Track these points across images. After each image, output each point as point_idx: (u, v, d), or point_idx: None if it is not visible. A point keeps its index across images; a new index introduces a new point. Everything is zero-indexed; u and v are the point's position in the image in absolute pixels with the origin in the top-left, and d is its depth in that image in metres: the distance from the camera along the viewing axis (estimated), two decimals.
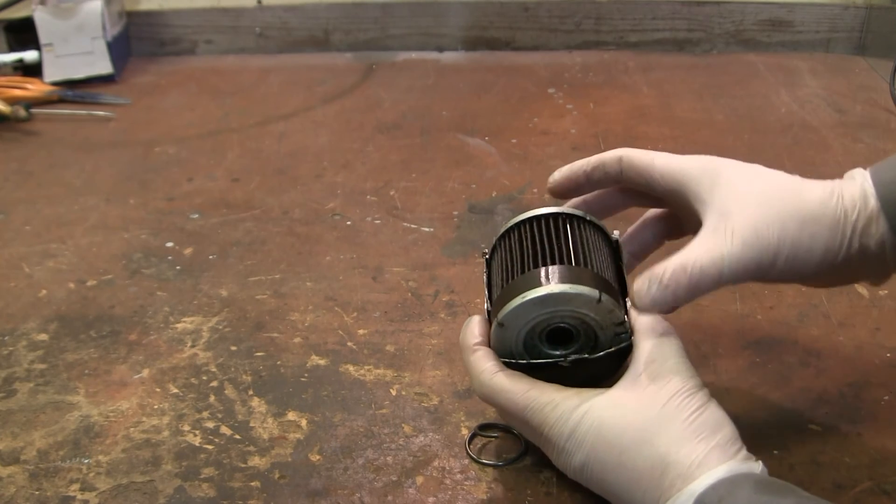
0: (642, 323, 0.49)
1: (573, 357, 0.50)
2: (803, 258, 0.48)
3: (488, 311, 0.52)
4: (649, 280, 0.47)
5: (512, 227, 0.53)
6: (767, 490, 0.41)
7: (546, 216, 0.53)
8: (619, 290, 0.51)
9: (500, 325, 0.49)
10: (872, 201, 0.48)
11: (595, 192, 0.58)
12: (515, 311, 0.49)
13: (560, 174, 0.56)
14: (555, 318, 0.49)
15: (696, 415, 0.45)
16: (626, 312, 0.50)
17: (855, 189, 0.49)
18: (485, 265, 0.55)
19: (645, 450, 0.45)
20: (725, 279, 0.47)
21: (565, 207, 0.54)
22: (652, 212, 0.59)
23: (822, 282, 0.52)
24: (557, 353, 0.51)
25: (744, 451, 0.45)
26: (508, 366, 0.51)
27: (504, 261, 0.52)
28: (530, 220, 0.53)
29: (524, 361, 0.50)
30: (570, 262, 0.49)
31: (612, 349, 0.50)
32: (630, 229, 0.59)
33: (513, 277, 0.50)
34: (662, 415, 0.45)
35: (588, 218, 0.53)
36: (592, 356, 0.50)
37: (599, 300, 0.48)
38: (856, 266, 0.49)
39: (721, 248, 0.47)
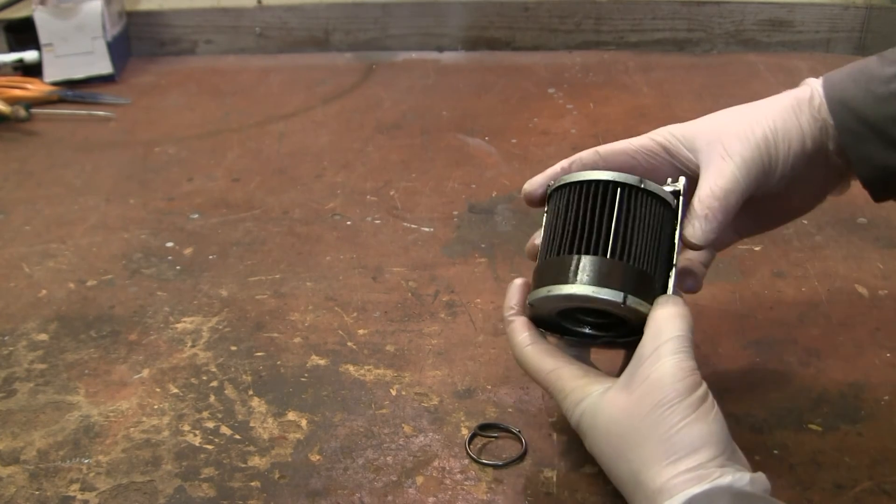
0: (657, 311, 0.49)
1: (601, 339, 0.53)
2: (790, 141, 0.53)
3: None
4: (694, 220, 0.51)
5: (567, 186, 0.52)
6: (745, 502, 0.41)
7: (601, 183, 0.51)
8: (664, 266, 0.51)
9: (531, 305, 0.52)
10: (818, 98, 0.54)
11: None
12: (543, 299, 0.50)
13: (531, 186, 0.56)
14: (584, 306, 0.51)
15: (673, 431, 0.44)
16: (665, 290, 0.50)
17: (805, 91, 0.55)
18: (546, 201, 0.55)
19: (622, 463, 0.46)
20: (745, 189, 0.51)
21: (620, 174, 0.51)
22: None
23: (807, 186, 0.56)
24: (590, 320, 0.53)
25: (721, 471, 0.43)
26: (544, 329, 0.54)
27: (553, 224, 0.52)
28: (582, 184, 0.52)
29: (556, 336, 0.53)
30: (604, 253, 0.49)
31: (637, 337, 0.49)
32: None
33: (554, 251, 0.51)
34: (642, 427, 0.45)
35: (642, 185, 0.51)
36: (619, 340, 0.52)
37: (623, 303, 0.48)
38: (820, 164, 0.55)
39: (726, 168, 0.51)
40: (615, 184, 0.51)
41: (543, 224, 0.54)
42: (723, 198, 0.51)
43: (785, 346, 0.64)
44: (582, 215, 0.51)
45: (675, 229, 0.51)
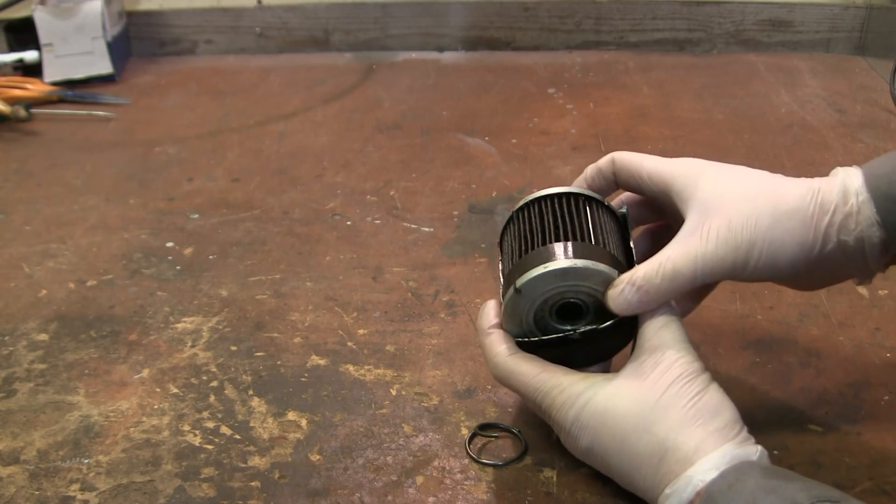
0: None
1: (583, 329, 0.51)
2: (777, 253, 0.48)
3: (502, 279, 0.53)
4: (624, 283, 0.48)
5: (531, 202, 0.54)
6: (775, 475, 0.42)
7: (567, 195, 0.53)
8: (625, 258, 0.52)
9: (518, 291, 0.50)
10: (853, 197, 0.48)
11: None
12: (535, 280, 0.49)
13: None
14: (569, 293, 0.50)
15: (694, 399, 0.46)
16: None
17: (834, 185, 0.49)
18: (499, 235, 0.56)
19: (644, 436, 0.46)
20: (700, 278, 0.48)
21: (578, 188, 0.54)
22: (649, 225, 0.59)
23: (803, 281, 0.53)
24: (567, 328, 0.52)
25: (743, 433, 0.46)
26: (521, 345, 0.52)
27: (523, 231, 0.53)
28: (550, 196, 0.54)
29: (536, 339, 0.52)
30: (588, 240, 0.50)
31: (619, 319, 0.50)
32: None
33: (533, 248, 0.51)
34: (662, 402, 0.46)
35: (599, 198, 0.54)
36: (601, 327, 0.51)
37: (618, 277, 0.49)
38: (836, 264, 0.50)
39: (696, 247, 0.48)
40: (582, 195, 0.54)
41: (504, 241, 0.55)
42: (670, 278, 0.48)
43: (785, 346, 0.64)
44: (561, 215, 0.52)
45: (629, 238, 0.54)
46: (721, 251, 0.48)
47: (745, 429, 0.47)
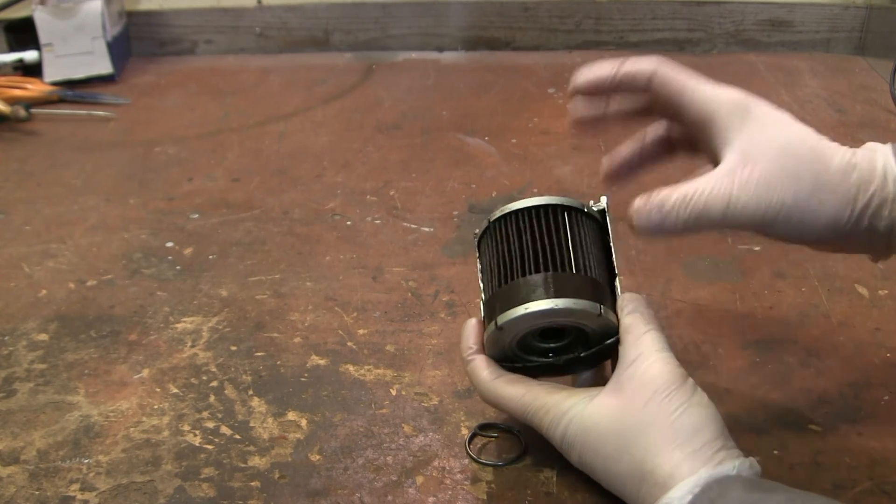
0: (628, 318, 0.50)
1: (566, 357, 0.52)
2: (809, 223, 0.47)
3: (483, 301, 0.53)
4: (651, 203, 0.47)
5: (510, 214, 0.53)
6: (758, 488, 0.42)
7: (545, 207, 0.52)
8: (609, 276, 0.52)
9: (500, 329, 0.50)
10: (891, 183, 0.48)
11: (630, 148, 0.57)
12: (517, 319, 0.49)
13: (585, 80, 0.53)
14: (553, 324, 0.50)
15: (673, 417, 0.45)
16: (615, 300, 0.51)
17: (876, 165, 0.48)
18: (475, 247, 0.55)
19: (624, 458, 0.46)
20: (726, 222, 0.47)
21: (559, 197, 0.53)
22: (651, 129, 0.57)
23: (822, 247, 0.52)
24: (549, 345, 0.52)
25: (723, 453, 0.44)
26: (505, 367, 0.52)
27: (502, 251, 0.52)
28: (528, 210, 0.52)
29: (519, 365, 0.52)
30: (571, 268, 0.50)
31: (602, 346, 0.51)
32: (627, 142, 0.58)
33: (513, 276, 0.50)
34: (640, 420, 0.46)
35: (578, 206, 0.53)
36: (583, 355, 0.52)
37: (600, 314, 0.49)
38: (860, 241, 0.49)
39: (731, 189, 0.46)
40: (562, 207, 0.52)
41: (482, 255, 0.54)
42: (699, 212, 0.46)
43: (785, 346, 0.64)
44: (540, 237, 0.51)
45: (609, 241, 0.53)
46: (754, 202, 0.46)
47: (729, 441, 0.45)
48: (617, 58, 0.53)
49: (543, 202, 0.52)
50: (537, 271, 0.50)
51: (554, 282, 0.49)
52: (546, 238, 0.51)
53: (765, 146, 0.47)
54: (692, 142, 0.54)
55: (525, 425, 0.56)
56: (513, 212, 0.52)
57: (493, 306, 0.51)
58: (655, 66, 0.51)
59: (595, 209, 0.54)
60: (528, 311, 0.49)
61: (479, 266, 0.55)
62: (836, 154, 0.48)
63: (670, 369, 0.47)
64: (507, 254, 0.51)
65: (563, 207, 0.52)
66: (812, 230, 0.48)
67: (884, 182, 0.48)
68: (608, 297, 0.50)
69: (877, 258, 0.52)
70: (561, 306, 0.48)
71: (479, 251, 0.55)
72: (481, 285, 0.54)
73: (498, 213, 0.53)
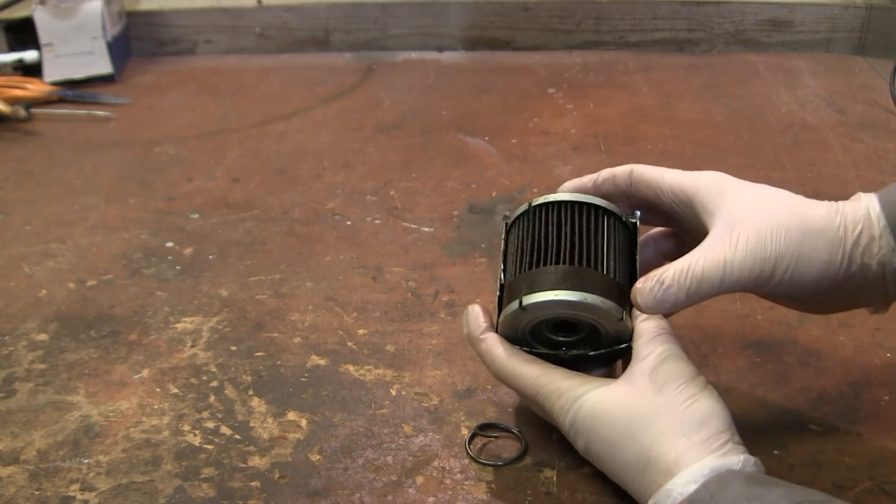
0: (643, 323, 0.50)
1: (574, 353, 0.52)
2: (803, 270, 0.49)
3: (501, 281, 0.53)
4: (653, 280, 0.49)
5: (553, 204, 0.53)
6: (758, 483, 0.42)
7: (589, 206, 0.53)
8: (631, 284, 0.52)
9: (523, 309, 0.50)
10: (876, 223, 0.49)
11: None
12: (542, 303, 0.50)
13: (570, 185, 0.57)
14: (571, 316, 0.50)
15: (683, 407, 0.46)
16: (632, 309, 0.51)
17: (859, 208, 0.50)
18: (504, 228, 0.56)
19: (631, 444, 0.46)
20: (726, 285, 0.48)
21: (594, 198, 0.54)
22: (656, 230, 0.59)
23: (822, 303, 0.53)
24: (560, 339, 0.52)
25: (730, 444, 0.45)
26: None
27: (538, 236, 0.52)
28: (572, 204, 0.53)
29: (526, 350, 0.52)
30: (602, 268, 0.51)
31: (612, 349, 0.52)
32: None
33: (545, 262, 0.51)
34: (650, 408, 0.46)
35: (618, 213, 0.54)
36: (591, 354, 0.52)
37: (621, 318, 0.50)
38: (857, 287, 0.50)
39: (724, 253, 0.48)
40: (604, 210, 0.53)
41: (511, 238, 0.55)
42: (698, 281, 0.48)
43: (785, 346, 0.64)
44: (579, 232, 0.52)
45: (636, 252, 0.54)
46: (749, 260, 0.48)
47: (735, 437, 0.46)
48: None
49: (588, 200, 0.53)
50: (570, 263, 0.50)
51: (585, 277, 0.50)
52: (584, 234, 0.52)
53: (750, 210, 0.50)
54: (668, 224, 0.58)
55: (525, 424, 0.56)
56: (556, 202, 0.53)
57: (520, 286, 0.51)
58: (631, 166, 0.55)
59: (630, 220, 0.55)
60: (557, 297, 0.49)
61: (503, 246, 0.55)
62: (820, 205, 0.51)
63: (682, 364, 0.48)
64: (543, 240, 0.52)
65: (604, 210, 0.53)
66: (810, 279, 0.49)
67: (869, 222, 0.49)
68: (629, 305, 0.51)
69: (876, 309, 0.53)
70: (589, 301, 0.49)
71: (508, 232, 0.56)
72: (502, 266, 0.54)
73: (541, 200, 0.54)
